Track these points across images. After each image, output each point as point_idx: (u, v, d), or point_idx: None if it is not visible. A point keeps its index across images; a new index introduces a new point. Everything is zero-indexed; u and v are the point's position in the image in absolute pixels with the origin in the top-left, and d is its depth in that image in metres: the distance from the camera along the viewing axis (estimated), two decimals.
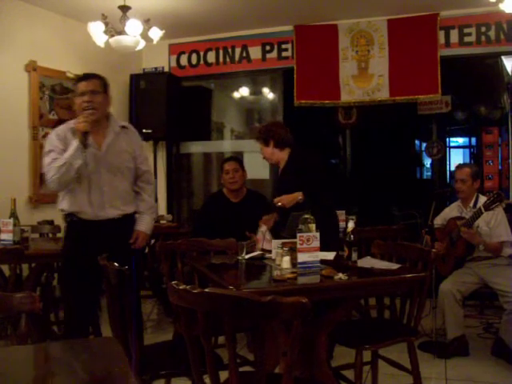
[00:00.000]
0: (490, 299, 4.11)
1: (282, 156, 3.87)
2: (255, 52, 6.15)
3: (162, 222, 5.46)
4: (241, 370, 2.77)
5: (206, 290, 1.89)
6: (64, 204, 3.23)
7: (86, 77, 3.22)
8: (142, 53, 5.41)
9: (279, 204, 3.64)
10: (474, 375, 3.67)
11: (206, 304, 1.87)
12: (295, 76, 5.87)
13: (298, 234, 2.61)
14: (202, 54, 6.37)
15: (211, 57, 6.34)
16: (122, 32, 4.78)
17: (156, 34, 5.09)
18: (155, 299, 5.25)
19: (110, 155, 3.23)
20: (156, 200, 5.00)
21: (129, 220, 3.34)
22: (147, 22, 4.96)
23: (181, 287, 1.94)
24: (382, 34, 5.63)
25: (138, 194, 3.41)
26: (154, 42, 5.16)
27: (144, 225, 3.38)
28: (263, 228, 3.63)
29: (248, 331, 3.39)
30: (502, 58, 5.77)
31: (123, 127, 3.36)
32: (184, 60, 6.43)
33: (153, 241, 4.70)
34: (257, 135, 3.95)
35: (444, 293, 3.99)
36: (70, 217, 3.23)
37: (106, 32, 4.83)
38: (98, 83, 3.20)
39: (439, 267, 4.18)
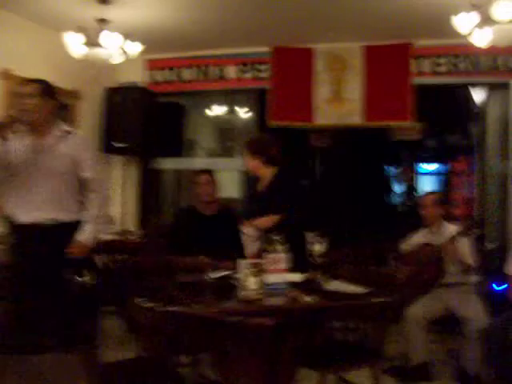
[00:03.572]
0: (454, 326, 4.15)
1: (266, 173, 3.82)
2: (231, 71, 6.18)
3: (130, 238, 5.40)
4: None
5: (171, 308, 1.87)
6: (3, 206, 3.24)
7: (26, 81, 3.32)
8: (118, 66, 5.39)
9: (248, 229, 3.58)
10: None
11: (171, 323, 1.85)
12: (270, 97, 5.91)
13: (266, 255, 2.61)
14: (177, 70, 6.37)
15: (187, 74, 6.34)
16: (98, 44, 4.76)
17: (134, 48, 5.08)
18: (119, 316, 5.16)
19: (47, 159, 3.23)
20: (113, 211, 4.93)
21: (67, 229, 3.30)
22: (125, 36, 4.95)
23: (145, 305, 1.92)
24: (356, 60, 5.72)
25: (83, 203, 3.38)
26: (132, 57, 5.14)
27: (83, 234, 3.33)
28: (248, 230, 3.55)
29: (213, 351, 3.36)
30: (471, 88, 5.91)
31: (67, 132, 3.36)
32: (159, 76, 6.42)
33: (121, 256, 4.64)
34: (246, 144, 3.92)
35: (410, 318, 4.02)
36: (7, 220, 3.23)
37: (83, 44, 4.81)
38: (36, 87, 3.25)
39: (407, 292, 4.20)
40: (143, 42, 5.13)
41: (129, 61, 5.26)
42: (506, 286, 4.08)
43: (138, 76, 6.36)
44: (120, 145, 5.79)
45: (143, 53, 5.32)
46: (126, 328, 5.06)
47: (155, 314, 1.83)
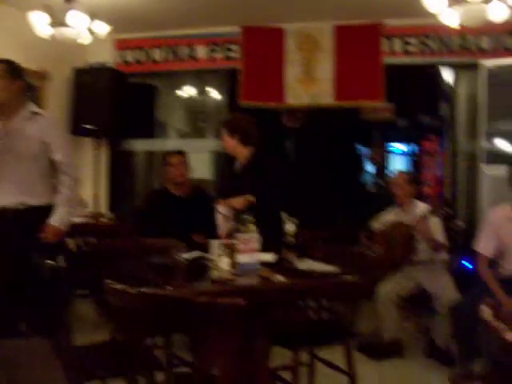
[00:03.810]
0: (425, 302, 4.24)
1: (244, 152, 3.77)
2: (202, 51, 6.12)
3: (102, 220, 5.36)
4: (179, 371, 2.76)
5: (143, 290, 1.86)
6: None
7: None
8: (87, 47, 5.29)
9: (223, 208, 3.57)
10: (409, 375, 3.80)
11: (143, 304, 1.84)
12: (241, 77, 5.88)
13: (238, 235, 2.61)
14: (148, 50, 6.28)
15: (157, 54, 6.26)
16: (65, 24, 4.67)
17: (102, 28, 4.99)
18: (93, 299, 5.13)
19: (14, 141, 3.17)
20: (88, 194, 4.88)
21: (38, 212, 3.25)
22: (92, 16, 4.85)
23: (117, 287, 1.90)
24: (327, 40, 5.71)
25: (55, 185, 3.33)
26: (100, 37, 5.05)
27: (56, 218, 3.28)
28: (223, 209, 3.51)
29: (186, 332, 3.37)
30: (442, 68, 5.96)
31: (35, 113, 3.29)
32: (129, 56, 6.33)
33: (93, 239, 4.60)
34: (224, 123, 3.87)
35: (382, 296, 4.09)
36: None
37: (49, 24, 4.71)
38: (2, 67, 3.20)
39: (378, 270, 4.26)
40: (111, 22, 5.05)
41: (97, 41, 5.17)
42: (474, 262, 4.17)
43: (107, 56, 6.25)
44: (89, 126, 5.70)
45: (112, 33, 5.24)
46: (99, 311, 5.05)
47: (127, 295, 1.81)
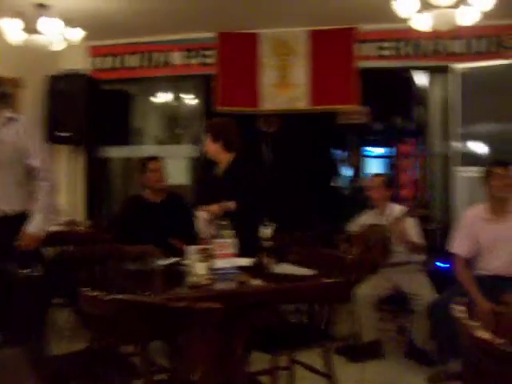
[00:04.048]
0: (403, 303, 4.27)
1: (226, 158, 3.76)
2: (177, 57, 6.11)
3: (79, 228, 5.31)
4: (157, 378, 2.74)
5: (119, 296, 1.85)
6: None
7: None
8: (61, 53, 5.25)
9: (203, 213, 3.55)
10: (389, 377, 3.82)
11: (119, 311, 1.83)
12: (217, 82, 5.88)
13: (214, 241, 2.61)
14: (123, 57, 6.25)
15: (132, 60, 6.23)
16: (37, 31, 4.63)
17: (75, 34, 4.96)
18: (70, 307, 5.08)
19: None
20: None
21: (14, 220, 3.21)
22: (65, 22, 4.82)
23: (92, 294, 1.89)
24: (302, 45, 5.74)
25: (31, 192, 3.28)
26: (74, 43, 5.02)
27: (33, 225, 3.24)
28: (203, 214, 3.49)
29: (163, 338, 3.35)
30: (416, 72, 6.03)
31: (11, 119, 3.25)
32: (104, 63, 6.29)
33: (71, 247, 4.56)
34: (208, 128, 3.84)
35: (360, 298, 4.11)
36: None
37: (21, 30, 4.66)
38: None
39: (355, 273, 4.28)
40: (85, 29, 5.01)
41: (71, 48, 5.14)
42: (449, 263, 4.22)
43: (81, 63, 6.21)
44: (64, 134, 5.66)
45: (86, 39, 5.20)
46: (77, 319, 5.00)
47: (102, 302, 1.80)
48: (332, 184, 7.47)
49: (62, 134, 5.67)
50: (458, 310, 1.48)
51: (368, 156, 8.04)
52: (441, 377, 3.62)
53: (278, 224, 3.14)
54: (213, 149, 3.77)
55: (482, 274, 3.69)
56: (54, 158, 5.88)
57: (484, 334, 1.26)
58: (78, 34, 4.95)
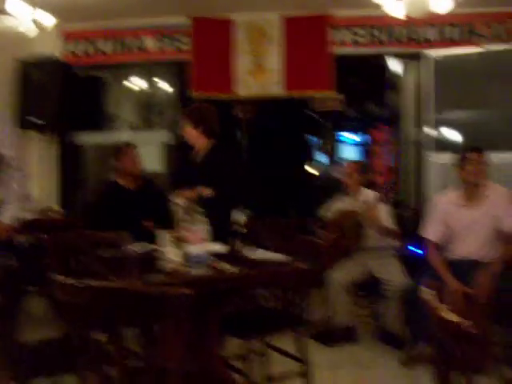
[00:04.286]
0: (375, 288, 4.33)
1: (205, 144, 3.73)
2: (151, 43, 6.05)
3: (52, 215, 5.26)
4: (131, 365, 2.73)
5: (92, 283, 1.84)
6: None
7: None
8: (32, 38, 5.14)
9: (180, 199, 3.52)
10: (362, 360, 3.88)
11: (92, 298, 1.82)
12: (191, 68, 5.84)
13: (188, 226, 2.61)
14: (96, 42, 6.17)
15: (106, 46, 6.15)
16: (5, 12, 4.52)
17: (46, 18, 4.86)
18: (44, 295, 5.04)
19: None
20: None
21: None
22: (36, 5, 4.72)
23: (65, 281, 1.88)
24: (277, 31, 5.73)
25: (3, 181, 3.24)
26: (46, 28, 4.92)
27: (6, 215, 3.21)
28: (179, 200, 3.45)
29: (136, 325, 3.35)
30: (390, 58, 6.07)
31: None
32: (77, 48, 6.20)
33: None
34: (188, 114, 3.78)
35: (334, 283, 4.16)
36: None
37: None
38: None
39: (329, 258, 4.32)
40: (58, 12, 4.92)
41: (43, 32, 5.04)
42: (422, 248, 4.28)
43: (54, 48, 6.11)
44: (36, 120, 5.58)
45: (58, 24, 5.11)
46: (50, 307, 4.97)
47: (75, 289, 1.79)
48: (307, 170, 7.50)
49: (34, 121, 5.59)
50: (427, 293, 1.51)
51: (342, 142, 8.08)
52: (413, 360, 3.68)
53: (253, 210, 3.15)
54: (193, 135, 3.74)
55: (454, 259, 3.75)
56: (27, 145, 5.81)
57: (450, 316, 1.29)
58: (49, 18, 4.85)
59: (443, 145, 5.02)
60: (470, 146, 3.90)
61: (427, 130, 5.15)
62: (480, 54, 4.93)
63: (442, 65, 5.07)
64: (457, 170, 3.77)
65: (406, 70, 5.92)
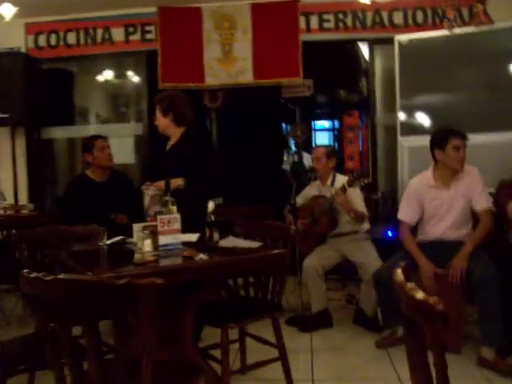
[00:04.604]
0: (350, 272, 4.36)
1: (175, 132, 3.67)
2: (118, 34, 5.97)
3: (22, 211, 5.18)
4: (106, 358, 2.71)
5: (60, 276, 1.82)
6: None
7: None
8: None
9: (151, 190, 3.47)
10: (338, 344, 3.91)
11: (61, 291, 1.80)
12: (159, 58, 5.77)
13: (159, 217, 2.59)
14: (61, 34, 6.06)
15: (72, 38, 6.06)
16: None
17: (8, 10, 4.77)
18: (17, 292, 4.98)
19: None
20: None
21: None
22: None
23: (32, 275, 1.85)
24: (245, 18, 5.69)
25: None
26: (7, 20, 4.83)
27: None
28: (150, 191, 3.40)
29: (108, 317, 3.32)
30: (359, 44, 6.08)
31: None
32: (42, 41, 6.09)
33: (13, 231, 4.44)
34: (158, 101, 3.71)
35: (307, 268, 4.18)
36: None
37: None
38: None
39: (302, 244, 4.34)
40: (21, 5, 4.82)
41: (6, 25, 4.94)
42: (395, 231, 4.32)
43: (19, 41, 6.00)
44: (3, 115, 5.48)
45: (23, 16, 5.01)
46: (24, 304, 4.91)
47: (43, 283, 1.76)
48: (279, 158, 7.50)
49: (0, 116, 5.49)
50: (398, 274, 1.51)
51: (315, 129, 8.11)
52: (387, 341, 3.72)
53: (225, 199, 3.14)
54: (163, 123, 3.68)
55: (428, 240, 3.79)
56: None
57: (418, 294, 1.29)
58: (10, 10, 4.76)
59: (412, 128, 5.05)
60: (452, 129, 3.72)
61: (397, 114, 5.17)
62: (447, 37, 4.96)
63: (409, 49, 5.09)
64: (436, 152, 3.71)
65: (374, 55, 5.93)
